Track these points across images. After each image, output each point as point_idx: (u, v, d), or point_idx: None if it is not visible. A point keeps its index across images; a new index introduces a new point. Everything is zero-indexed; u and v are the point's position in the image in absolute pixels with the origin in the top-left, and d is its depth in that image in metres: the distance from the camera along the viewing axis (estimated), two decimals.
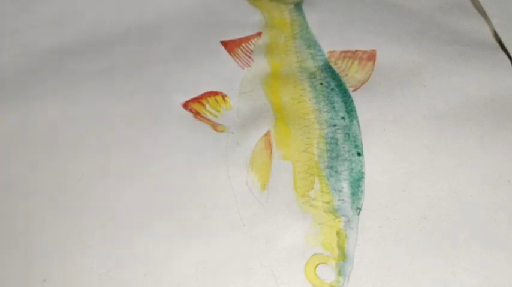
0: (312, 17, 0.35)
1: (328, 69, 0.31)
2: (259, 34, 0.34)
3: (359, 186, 0.26)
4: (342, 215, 0.25)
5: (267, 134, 0.28)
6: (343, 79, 0.31)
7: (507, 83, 0.31)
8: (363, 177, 0.27)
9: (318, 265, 0.24)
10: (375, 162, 0.27)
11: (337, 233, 0.25)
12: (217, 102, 0.30)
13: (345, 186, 0.26)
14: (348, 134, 0.28)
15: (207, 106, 0.30)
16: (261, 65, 0.32)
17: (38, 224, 0.25)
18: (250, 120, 0.29)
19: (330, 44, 0.33)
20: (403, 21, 0.35)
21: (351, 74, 0.31)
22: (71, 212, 0.25)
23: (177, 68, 0.32)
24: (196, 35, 0.34)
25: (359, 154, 0.27)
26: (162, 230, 0.25)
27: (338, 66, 0.32)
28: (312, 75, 0.31)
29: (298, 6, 0.36)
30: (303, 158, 0.27)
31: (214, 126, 0.29)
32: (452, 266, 0.24)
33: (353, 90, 0.30)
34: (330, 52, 0.32)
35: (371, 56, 0.32)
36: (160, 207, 0.26)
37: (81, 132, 0.28)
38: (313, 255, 0.24)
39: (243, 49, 0.33)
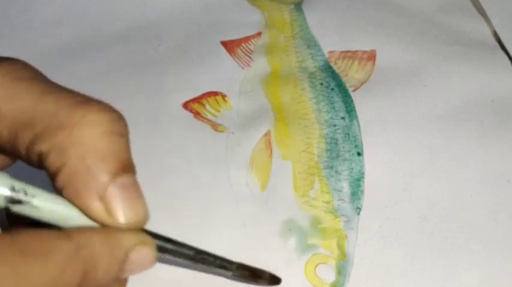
0: (312, 17, 0.35)
1: (328, 69, 0.31)
2: (259, 34, 0.34)
3: (359, 186, 0.26)
4: (342, 215, 0.25)
5: (267, 134, 0.28)
6: (343, 79, 0.31)
7: (507, 83, 0.31)
8: (363, 177, 0.27)
9: (318, 264, 0.24)
10: (375, 162, 0.27)
11: (337, 233, 0.25)
12: (217, 102, 0.30)
13: (345, 186, 0.26)
14: (348, 134, 0.28)
15: (207, 106, 0.30)
16: (261, 65, 0.32)
17: None
18: (250, 120, 0.29)
19: (330, 44, 0.33)
20: (403, 21, 0.35)
21: (351, 74, 0.31)
22: None
23: (177, 68, 0.32)
24: (196, 35, 0.34)
25: (359, 154, 0.27)
26: (161, 230, 0.25)
27: (338, 66, 0.32)
28: (312, 75, 0.31)
29: (298, 6, 0.36)
30: (303, 158, 0.27)
31: (214, 126, 0.29)
32: (452, 266, 0.24)
33: (353, 90, 0.30)
34: (330, 52, 0.32)
35: (371, 56, 0.32)
36: (160, 207, 0.26)
37: None
38: (313, 255, 0.24)
39: (243, 49, 0.33)
